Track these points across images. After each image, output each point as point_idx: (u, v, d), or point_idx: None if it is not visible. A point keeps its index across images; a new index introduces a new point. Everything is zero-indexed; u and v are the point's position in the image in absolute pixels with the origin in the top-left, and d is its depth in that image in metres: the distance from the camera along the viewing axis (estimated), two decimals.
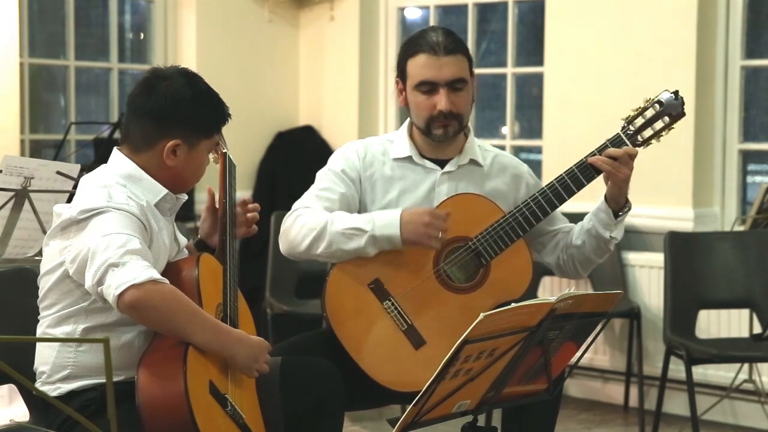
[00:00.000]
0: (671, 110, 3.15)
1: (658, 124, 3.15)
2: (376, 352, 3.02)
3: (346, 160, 3.19)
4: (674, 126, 3.16)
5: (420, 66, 3.13)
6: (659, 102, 3.16)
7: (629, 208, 3.16)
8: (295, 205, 3.15)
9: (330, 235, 3.02)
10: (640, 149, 3.13)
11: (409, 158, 3.20)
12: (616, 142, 3.12)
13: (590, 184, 3.16)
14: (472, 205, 3.14)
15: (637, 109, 3.15)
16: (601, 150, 3.11)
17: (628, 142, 3.11)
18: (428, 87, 3.13)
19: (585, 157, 3.12)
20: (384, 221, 3.02)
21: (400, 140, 3.22)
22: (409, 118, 3.23)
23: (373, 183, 3.18)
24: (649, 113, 3.15)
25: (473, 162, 3.22)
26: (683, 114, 3.16)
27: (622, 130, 3.14)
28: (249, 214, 2.92)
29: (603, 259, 3.24)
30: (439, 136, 3.15)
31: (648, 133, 3.15)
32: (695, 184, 5.23)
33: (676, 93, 3.16)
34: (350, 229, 3.02)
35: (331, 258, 3.08)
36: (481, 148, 3.26)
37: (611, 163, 3.07)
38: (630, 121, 3.15)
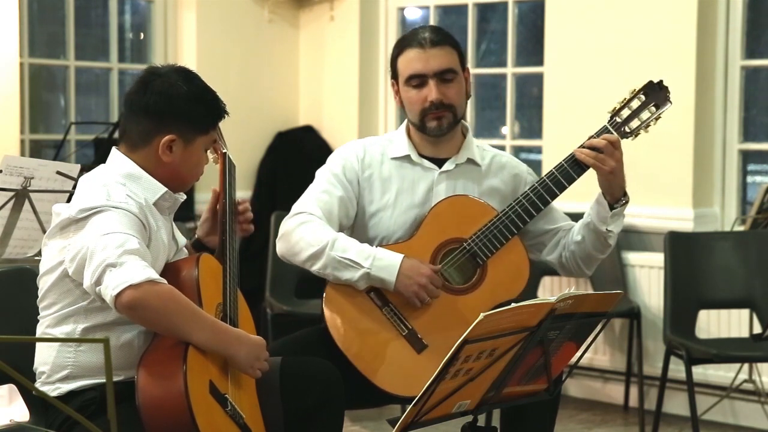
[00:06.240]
0: (656, 99, 3.14)
1: (645, 114, 3.14)
2: (379, 360, 3.02)
3: (345, 161, 3.19)
4: (661, 116, 3.15)
5: (408, 60, 3.15)
6: (644, 92, 3.15)
7: (626, 201, 3.12)
8: (296, 207, 3.14)
9: (327, 258, 3.02)
10: (629, 139, 3.12)
11: (407, 157, 3.20)
12: (602, 135, 3.11)
13: (586, 181, 3.15)
14: (465, 206, 3.14)
15: (622, 101, 3.14)
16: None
17: (615, 134, 3.10)
18: (418, 80, 3.14)
19: (574, 151, 3.11)
20: (383, 263, 3.01)
21: (399, 140, 3.23)
22: (407, 118, 3.24)
23: (371, 184, 3.18)
24: (635, 104, 3.14)
25: (471, 161, 3.22)
26: (669, 102, 3.15)
27: (608, 122, 3.13)
28: (241, 216, 2.92)
29: (604, 255, 3.20)
30: (433, 129, 3.15)
31: (635, 123, 3.14)
32: (695, 184, 5.23)
33: (660, 82, 3.16)
34: (348, 259, 3.01)
35: (324, 277, 3.07)
36: (479, 147, 3.26)
37: (595, 156, 3.04)
38: (616, 112, 3.14)
